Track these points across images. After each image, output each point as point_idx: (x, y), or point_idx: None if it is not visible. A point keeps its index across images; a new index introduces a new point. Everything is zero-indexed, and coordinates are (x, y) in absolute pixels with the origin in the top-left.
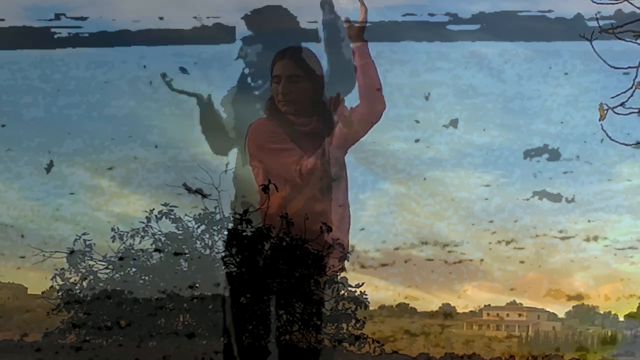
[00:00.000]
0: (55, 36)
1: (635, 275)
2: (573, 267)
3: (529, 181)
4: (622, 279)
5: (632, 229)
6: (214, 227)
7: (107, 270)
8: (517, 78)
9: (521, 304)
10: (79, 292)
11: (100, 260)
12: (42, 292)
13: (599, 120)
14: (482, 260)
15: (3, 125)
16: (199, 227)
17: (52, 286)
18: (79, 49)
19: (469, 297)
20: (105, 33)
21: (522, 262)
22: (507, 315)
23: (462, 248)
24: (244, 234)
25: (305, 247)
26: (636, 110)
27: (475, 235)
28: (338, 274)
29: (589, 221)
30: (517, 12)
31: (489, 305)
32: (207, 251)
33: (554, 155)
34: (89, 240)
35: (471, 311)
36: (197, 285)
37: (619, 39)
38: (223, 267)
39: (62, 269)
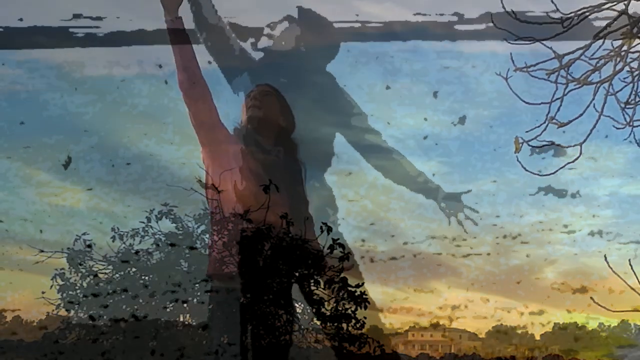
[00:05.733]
0: (73, 36)
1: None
2: (576, 261)
3: (534, 177)
4: (625, 272)
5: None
6: (214, 227)
7: (107, 270)
8: (523, 77)
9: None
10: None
11: (100, 261)
12: (42, 292)
13: (515, 153)
14: (489, 254)
15: (22, 123)
16: (198, 227)
17: (52, 286)
18: (96, 48)
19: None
20: (122, 33)
21: (527, 255)
22: (431, 335)
23: (469, 242)
24: (244, 234)
25: (305, 247)
26: (549, 143)
27: (483, 230)
28: (338, 274)
29: (593, 216)
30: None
31: (414, 326)
32: (207, 251)
33: (559, 151)
34: (89, 240)
35: (397, 332)
36: (211, 279)
37: (533, 77)
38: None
39: (62, 269)
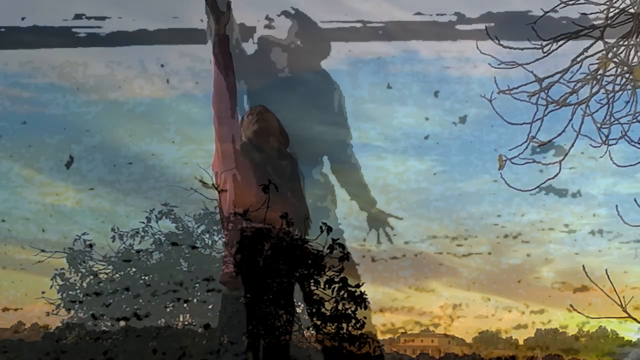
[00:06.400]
0: (75, 36)
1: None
2: (578, 259)
3: (535, 176)
4: (625, 271)
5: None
6: (214, 227)
7: (107, 270)
8: (524, 76)
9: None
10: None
11: (100, 261)
12: (42, 292)
13: (498, 170)
14: (489, 253)
15: (24, 123)
16: (198, 227)
17: (52, 286)
18: (98, 48)
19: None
20: (124, 32)
21: (528, 255)
22: (422, 341)
23: (470, 242)
24: (244, 234)
25: (305, 247)
26: (530, 161)
27: (484, 229)
28: (338, 274)
29: (594, 215)
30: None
31: (405, 332)
32: (207, 251)
33: (560, 151)
34: (89, 240)
35: (390, 338)
36: (214, 278)
37: (516, 99)
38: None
39: (62, 268)
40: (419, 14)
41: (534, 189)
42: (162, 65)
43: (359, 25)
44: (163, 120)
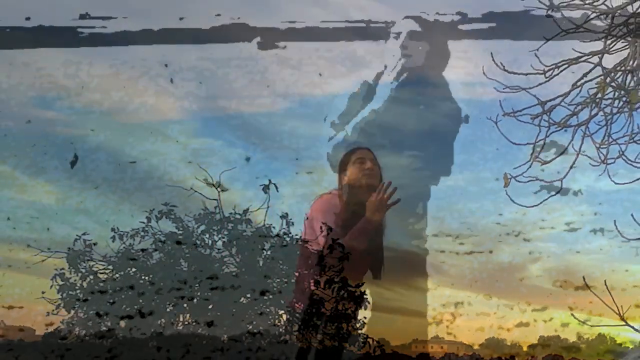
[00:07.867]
0: (80, 35)
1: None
2: (579, 258)
3: (536, 175)
4: (627, 269)
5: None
6: (214, 227)
7: (107, 270)
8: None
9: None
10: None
11: (100, 260)
12: (43, 292)
13: (504, 187)
14: (491, 252)
15: (28, 122)
16: (199, 227)
17: (52, 286)
18: (102, 47)
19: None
20: (129, 32)
21: (530, 252)
22: (432, 347)
23: (472, 240)
24: (244, 234)
25: (305, 247)
26: (534, 179)
27: (485, 228)
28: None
29: (595, 214)
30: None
31: (417, 339)
32: (207, 251)
33: (561, 150)
34: (89, 240)
35: (402, 344)
36: (217, 276)
37: (520, 121)
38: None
39: (62, 268)
40: (421, 13)
41: (537, 205)
42: (166, 65)
43: (361, 25)
44: (167, 119)
